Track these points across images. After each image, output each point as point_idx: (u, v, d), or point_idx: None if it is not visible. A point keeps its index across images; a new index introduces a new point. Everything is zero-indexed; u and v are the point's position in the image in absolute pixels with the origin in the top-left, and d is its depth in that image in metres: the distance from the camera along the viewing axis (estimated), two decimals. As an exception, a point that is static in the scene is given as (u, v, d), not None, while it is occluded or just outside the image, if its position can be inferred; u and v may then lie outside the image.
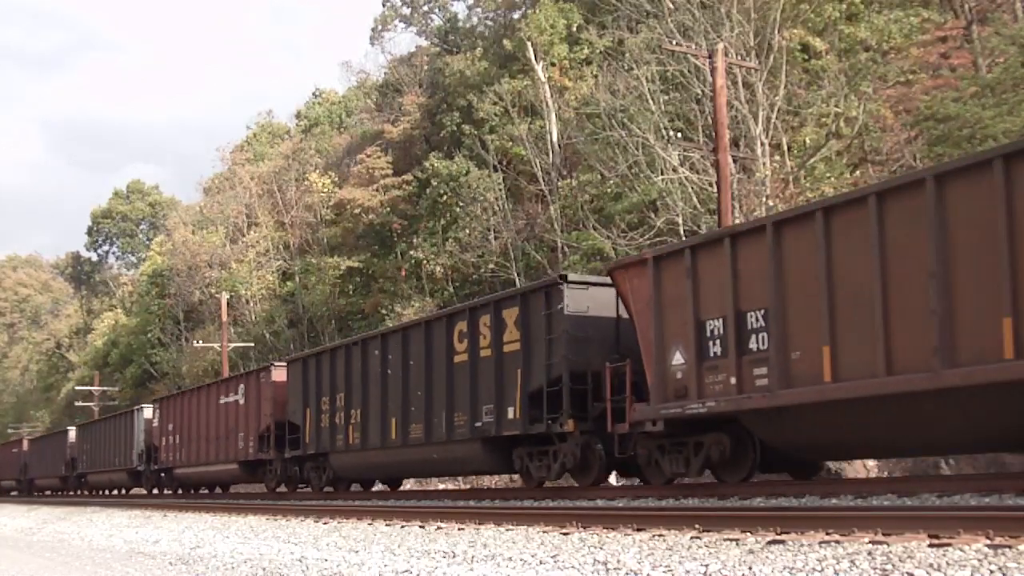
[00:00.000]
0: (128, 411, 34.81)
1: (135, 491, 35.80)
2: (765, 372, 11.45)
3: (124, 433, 33.60)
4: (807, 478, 13.69)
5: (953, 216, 9.63)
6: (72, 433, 40.97)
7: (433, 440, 17.30)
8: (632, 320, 13.40)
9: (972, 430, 10.04)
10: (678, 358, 12.63)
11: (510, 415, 15.46)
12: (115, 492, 38.15)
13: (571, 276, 15.08)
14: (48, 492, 46.02)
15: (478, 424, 16.15)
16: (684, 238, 26.03)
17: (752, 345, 11.63)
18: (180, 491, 31.48)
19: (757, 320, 11.59)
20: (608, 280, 14.19)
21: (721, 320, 12.03)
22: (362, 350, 19.87)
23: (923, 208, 9.82)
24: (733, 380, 11.78)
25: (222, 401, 25.93)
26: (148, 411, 32.31)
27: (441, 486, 26.09)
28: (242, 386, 24.95)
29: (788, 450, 12.41)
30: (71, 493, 42.27)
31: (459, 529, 11.50)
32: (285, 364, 23.44)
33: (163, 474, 31.12)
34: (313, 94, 71.29)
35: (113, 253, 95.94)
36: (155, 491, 33.07)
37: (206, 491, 30.81)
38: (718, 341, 12.08)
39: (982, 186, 9.39)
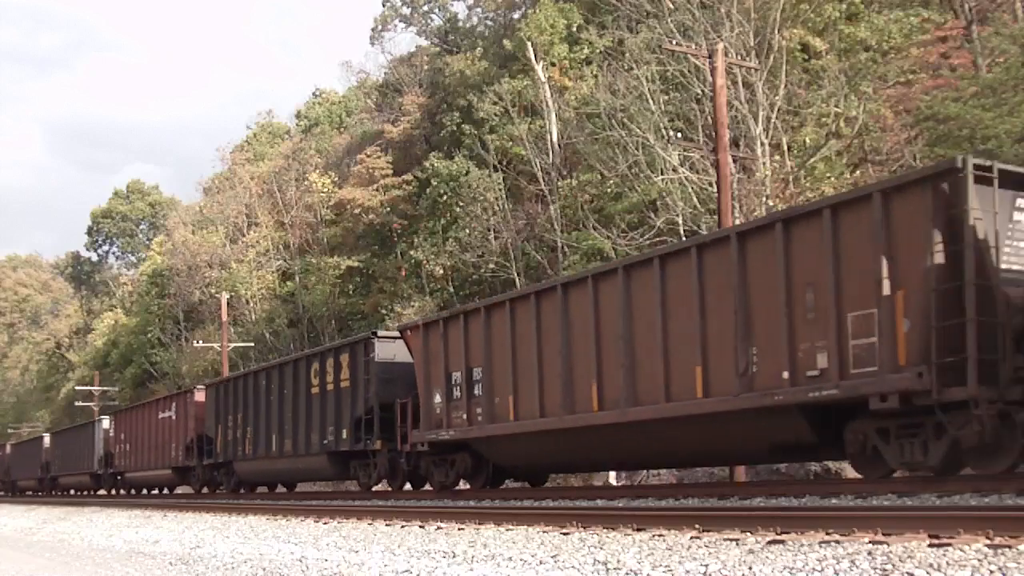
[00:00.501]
0: (90, 422, 39.37)
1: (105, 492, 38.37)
2: (481, 411, 16.04)
3: (87, 441, 37.89)
4: (537, 486, 18.21)
5: (604, 303, 13.95)
6: (47, 439, 45.48)
7: (297, 453, 21.96)
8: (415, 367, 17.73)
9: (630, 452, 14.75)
10: (437, 398, 17.09)
11: (344, 435, 19.88)
12: (81, 492, 42.20)
13: (380, 332, 19.87)
14: (28, 492, 50.12)
15: (325, 441, 20.56)
16: (684, 238, 26.06)
17: (476, 391, 16.16)
18: (131, 492, 36.07)
19: (479, 374, 16.13)
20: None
21: (460, 373, 16.50)
22: (255, 380, 24.47)
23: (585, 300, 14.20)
24: (465, 416, 16.34)
25: (160, 416, 30.39)
26: (106, 422, 36.64)
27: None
28: (174, 404, 29.49)
29: (504, 466, 17.21)
30: (41, 493, 46.89)
31: (459, 529, 11.50)
32: (204, 388, 28.06)
33: (118, 477, 35.48)
34: (313, 94, 71.41)
35: (113, 253, 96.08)
36: (113, 492, 37.36)
37: (153, 491, 35.42)
38: (458, 387, 16.53)
39: (681, 266, 12.74)
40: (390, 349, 19.03)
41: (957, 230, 9.85)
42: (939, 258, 9.93)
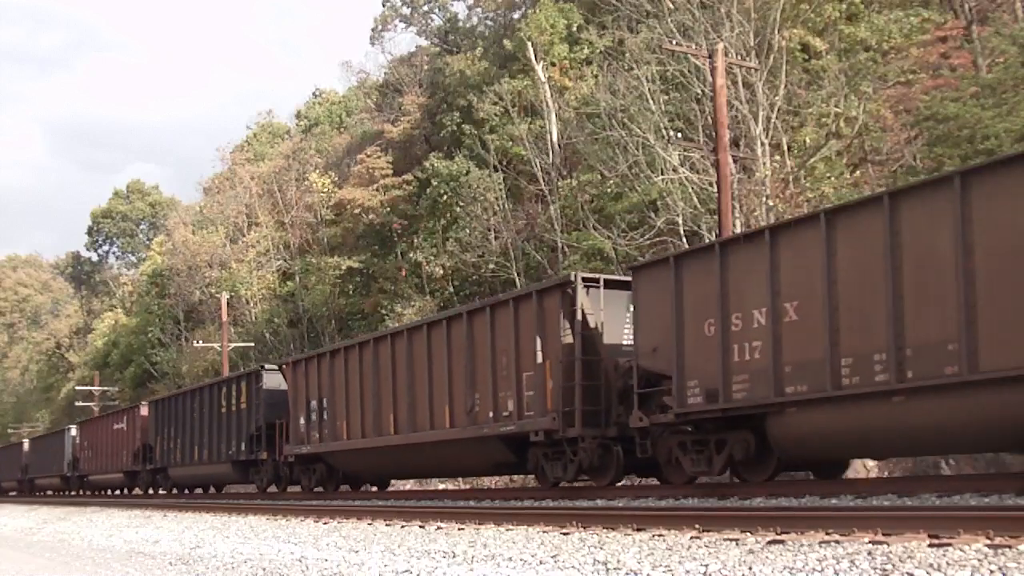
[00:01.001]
0: (60, 430, 43.38)
1: (122, 493, 38.62)
2: (327, 431, 20.87)
3: (58, 447, 41.84)
4: (382, 491, 22.55)
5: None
6: (26, 444, 49.29)
7: (211, 461, 26.57)
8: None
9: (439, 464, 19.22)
10: (301, 420, 21.86)
11: (242, 447, 24.75)
12: (49, 493, 46.00)
13: (267, 366, 24.42)
14: (12, 493, 53.27)
15: (229, 452, 25.50)
16: (684, 238, 26.04)
17: (324, 416, 21.02)
18: (93, 492, 39.65)
19: (325, 403, 20.98)
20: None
21: (315, 401, 21.37)
22: (184, 400, 28.84)
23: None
24: (317, 435, 21.24)
25: (114, 427, 34.96)
26: (74, 430, 40.99)
27: (441, 486, 26.10)
28: (126, 417, 34.14)
29: (348, 474, 22.01)
30: (17, 494, 51.10)
31: (459, 529, 11.50)
32: (147, 404, 32.94)
33: (83, 479, 39.77)
34: (313, 94, 71.39)
35: (113, 253, 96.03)
36: (78, 492, 41.02)
37: (114, 491, 38.78)
38: (315, 413, 21.38)
39: (438, 330, 17.54)
40: (276, 379, 23.69)
41: (574, 320, 14.35)
42: (567, 339, 14.44)
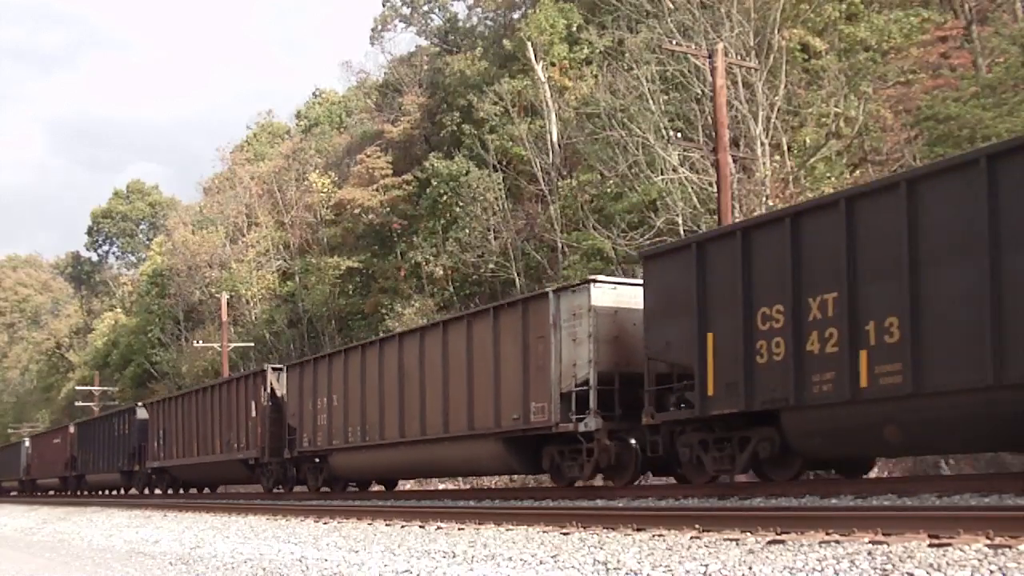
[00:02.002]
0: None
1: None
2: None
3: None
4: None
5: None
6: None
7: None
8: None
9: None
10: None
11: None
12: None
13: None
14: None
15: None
16: (684, 238, 26.03)
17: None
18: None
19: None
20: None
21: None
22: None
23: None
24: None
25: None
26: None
27: (441, 486, 26.10)
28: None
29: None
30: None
31: (459, 529, 11.50)
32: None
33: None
34: (313, 94, 71.33)
35: (113, 253, 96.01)
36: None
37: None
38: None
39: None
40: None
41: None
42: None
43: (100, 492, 39.92)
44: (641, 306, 13.72)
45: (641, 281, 14.02)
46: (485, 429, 16.25)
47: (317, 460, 22.80)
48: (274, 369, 24.82)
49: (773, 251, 11.59)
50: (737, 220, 21.72)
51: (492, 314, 16.47)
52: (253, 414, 24.63)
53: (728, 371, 12.00)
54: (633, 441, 14.17)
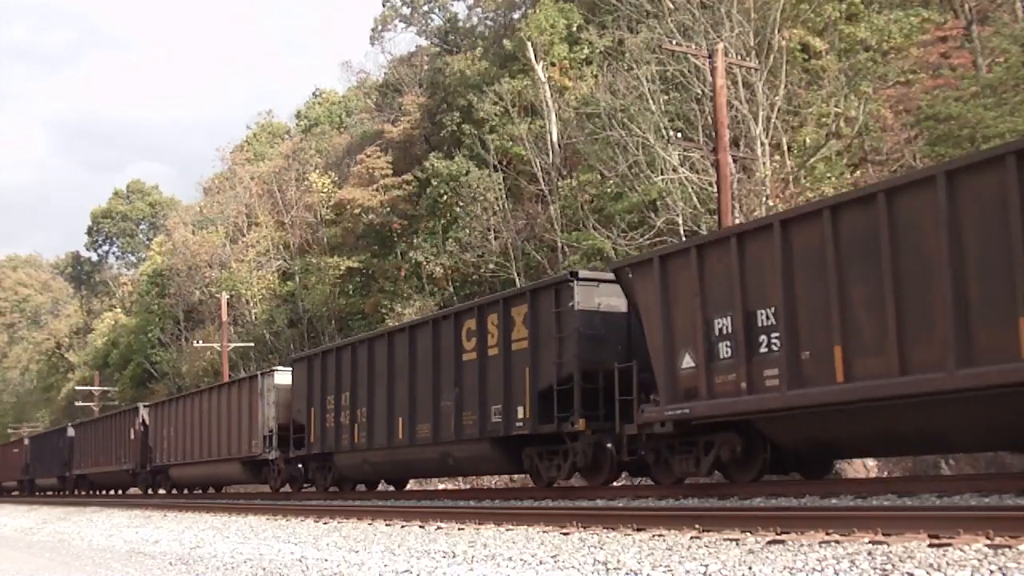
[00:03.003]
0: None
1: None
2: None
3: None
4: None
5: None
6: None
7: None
8: None
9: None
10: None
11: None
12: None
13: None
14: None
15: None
16: (684, 238, 26.04)
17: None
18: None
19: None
20: None
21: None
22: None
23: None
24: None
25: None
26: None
27: (441, 486, 26.09)
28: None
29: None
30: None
31: (459, 529, 11.50)
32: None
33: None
34: (313, 94, 71.36)
35: (113, 253, 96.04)
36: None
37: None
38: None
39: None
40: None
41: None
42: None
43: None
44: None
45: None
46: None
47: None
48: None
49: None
50: (737, 220, 21.74)
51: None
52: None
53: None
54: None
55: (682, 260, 12.54)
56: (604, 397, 14.04)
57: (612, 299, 14.38)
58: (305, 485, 23.94)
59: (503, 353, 15.77)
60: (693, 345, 12.18)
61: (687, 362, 12.33)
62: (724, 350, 11.81)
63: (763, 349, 11.34)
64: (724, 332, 11.81)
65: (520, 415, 15.42)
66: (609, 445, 14.30)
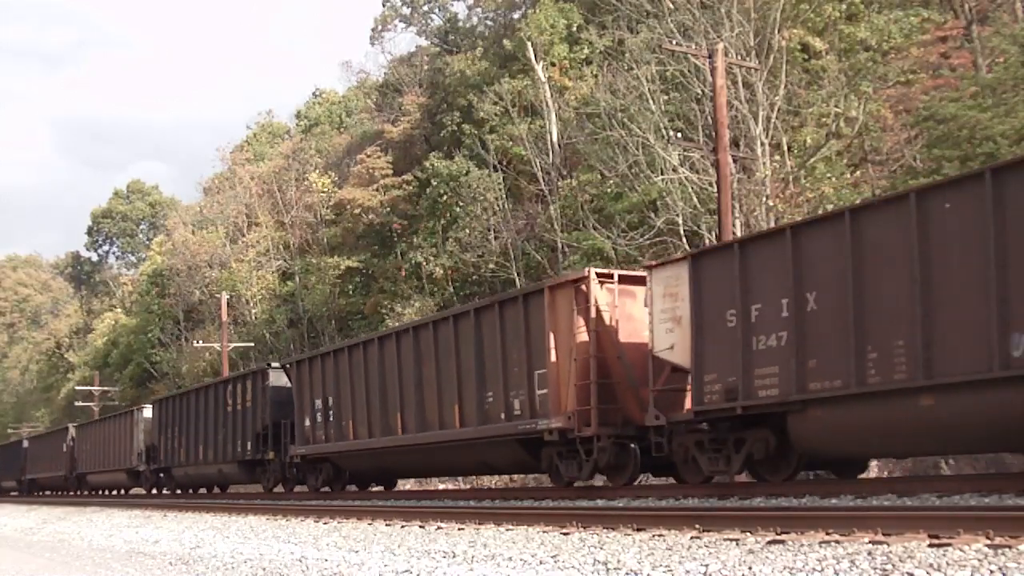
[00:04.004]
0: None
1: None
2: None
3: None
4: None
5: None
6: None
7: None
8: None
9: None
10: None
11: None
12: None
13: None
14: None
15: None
16: (684, 238, 26.04)
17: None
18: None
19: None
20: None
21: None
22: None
23: None
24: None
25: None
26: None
27: (441, 486, 26.10)
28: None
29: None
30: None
31: (459, 529, 11.50)
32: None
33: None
34: (313, 94, 71.33)
35: (113, 253, 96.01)
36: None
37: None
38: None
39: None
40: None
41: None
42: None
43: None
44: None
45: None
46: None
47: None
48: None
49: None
50: (737, 220, 21.74)
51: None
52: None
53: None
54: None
55: None
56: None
57: None
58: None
59: None
60: None
61: None
62: None
63: None
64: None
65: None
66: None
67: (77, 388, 71.36)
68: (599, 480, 15.54)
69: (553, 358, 14.47)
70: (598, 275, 14.34)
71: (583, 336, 14.06)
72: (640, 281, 14.10)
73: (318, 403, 21.41)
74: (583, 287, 14.17)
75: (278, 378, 23.85)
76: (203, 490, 31.42)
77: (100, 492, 40.12)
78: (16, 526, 27.55)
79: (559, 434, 14.36)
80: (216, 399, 26.72)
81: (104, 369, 70.28)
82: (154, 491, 33.98)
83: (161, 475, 32.61)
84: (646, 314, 13.57)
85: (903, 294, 10.18)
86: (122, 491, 38.56)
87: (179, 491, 32.17)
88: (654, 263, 14.18)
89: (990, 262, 9.45)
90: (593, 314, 13.99)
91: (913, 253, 10.10)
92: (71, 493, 42.22)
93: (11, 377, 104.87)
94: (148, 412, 32.59)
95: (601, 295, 14.12)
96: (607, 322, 14.07)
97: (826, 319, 10.95)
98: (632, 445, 13.99)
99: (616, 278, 14.35)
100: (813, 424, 11.18)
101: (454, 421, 16.68)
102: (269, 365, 24.97)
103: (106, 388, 65.12)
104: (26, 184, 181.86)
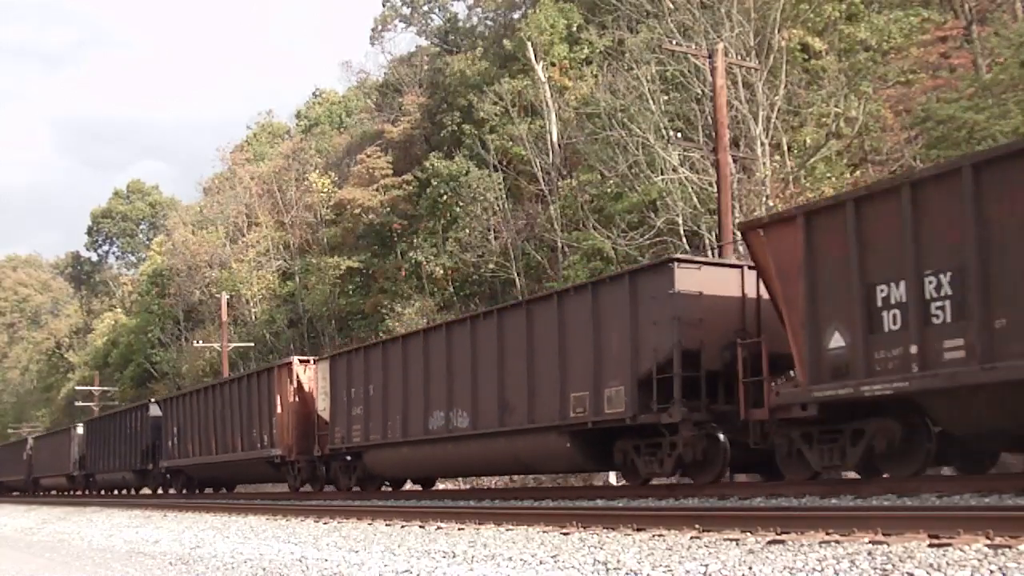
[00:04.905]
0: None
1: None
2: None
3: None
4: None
5: None
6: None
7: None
8: None
9: None
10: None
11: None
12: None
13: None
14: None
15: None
16: (684, 238, 26.05)
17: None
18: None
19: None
20: None
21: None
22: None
23: None
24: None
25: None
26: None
27: (441, 486, 26.09)
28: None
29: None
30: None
31: (459, 529, 11.50)
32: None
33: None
34: (313, 94, 71.39)
35: (113, 253, 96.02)
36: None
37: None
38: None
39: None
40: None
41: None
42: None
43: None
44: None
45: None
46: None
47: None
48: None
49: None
50: (737, 220, 21.73)
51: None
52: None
53: None
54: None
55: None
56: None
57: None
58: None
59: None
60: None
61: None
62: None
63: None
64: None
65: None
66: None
67: (77, 388, 71.40)
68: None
69: (279, 410, 22.66)
70: (300, 360, 23.11)
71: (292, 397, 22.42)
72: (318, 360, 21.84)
73: (175, 429, 29.00)
74: (290, 368, 22.63)
75: (155, 410, 31.45)
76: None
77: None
78: (16, 526, 27.55)
79: (279, 458, 22.91)
80: (122, 422, 34.43)
81: (104, 369, 70.32)
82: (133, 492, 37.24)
83: (89, 479, 39.37)
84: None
85: None
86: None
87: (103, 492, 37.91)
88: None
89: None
90: (295, 385, 22.48)
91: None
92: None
93: (11, 377, 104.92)
94: (80, 429, 40.77)
95: (303, 373, 22.36)
96: (306, 389, 22.19)
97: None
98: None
99: (312, 361, 22.93)
100: None
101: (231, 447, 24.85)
102: (150, 401, 32.91)
103: (106, 388, 65.15)
104: (26, 184, 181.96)
